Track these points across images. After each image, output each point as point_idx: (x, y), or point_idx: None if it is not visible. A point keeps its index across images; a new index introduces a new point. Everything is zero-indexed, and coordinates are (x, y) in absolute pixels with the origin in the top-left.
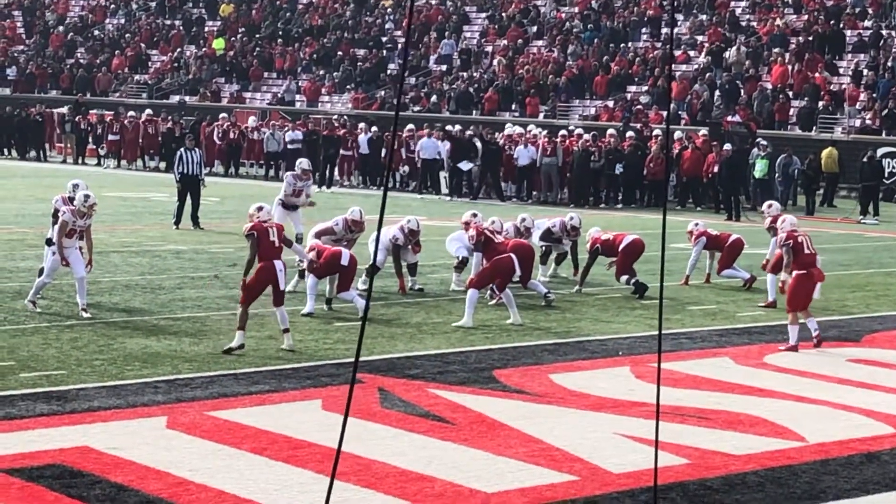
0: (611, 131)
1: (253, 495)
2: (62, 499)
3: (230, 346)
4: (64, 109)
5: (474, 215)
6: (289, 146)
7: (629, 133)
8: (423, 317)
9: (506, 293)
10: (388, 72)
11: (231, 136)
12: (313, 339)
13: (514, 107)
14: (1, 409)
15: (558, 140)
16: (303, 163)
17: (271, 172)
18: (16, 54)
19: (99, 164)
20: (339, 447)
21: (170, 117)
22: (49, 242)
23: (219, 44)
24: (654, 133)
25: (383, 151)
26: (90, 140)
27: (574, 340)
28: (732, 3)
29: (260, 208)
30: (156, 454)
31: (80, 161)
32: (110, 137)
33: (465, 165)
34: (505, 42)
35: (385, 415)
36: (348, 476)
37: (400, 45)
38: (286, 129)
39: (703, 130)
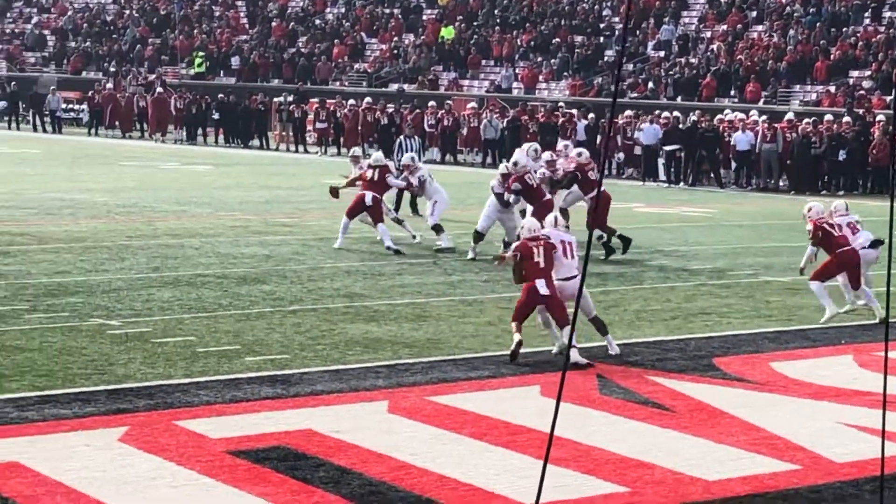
0: (828, 117)
1: (472, 480)
2: (287, 480)
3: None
4: (283, 98)
5: (810, 209)
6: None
7: (845, 118)
8: (642, 304)
9: (816, 285)
10: (606, 58)
11: (445, 123)
12: (533, 325)
13: (732, 92)
14: (227, 392)
15: (778, 126)
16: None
17: (489, 160)
18: (239, 44)
19: (323, 152)
20: (551, 433)
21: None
22: None
23: (448, 32)
24: (878, 118)
25: (598, 138)
26: (309, 129)
27: (795, 329)
28: None
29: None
30: (377, 438)
31: (298, 150)
32: (318, 126)
33: (669, 147)
34: (724, 27)
35: (604, 401)
36: (567, 462)
37: (618, 32)
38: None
39: None
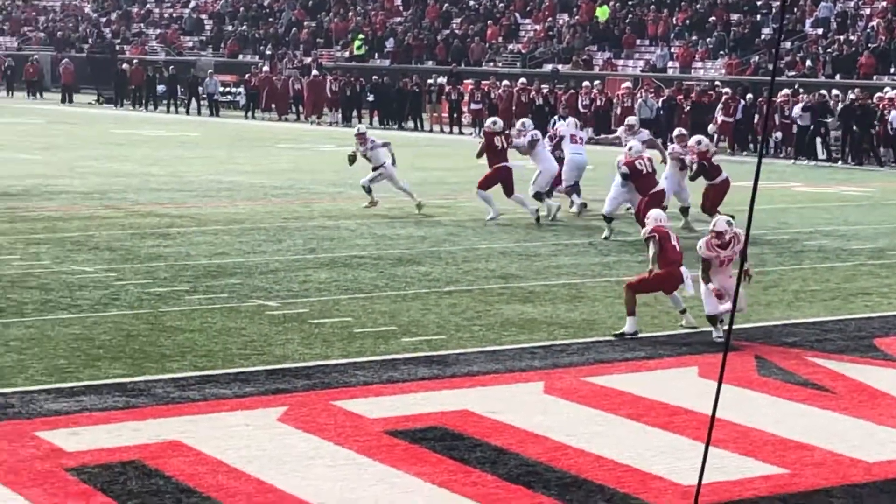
0: None
1: (630, 461)
2: (444, 460)
3: (622, 331)
4: (433, 80)
5: None
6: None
7: None
8: (801, 284)
9: None
10: (763, 36)
11: (599, 103)
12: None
13: (892, 70)
14: (384, 373)
15: None
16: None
17: None
18: (394, 26)
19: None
20: (713, 414)
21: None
22: None
23: (602, 12)
24: None
25: (756, 117)
26: (464, 110)
27: None
28: None
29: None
30: (533, 419)
31: (453, 131)
32: (473, 106)
33: (828, 122)
34: (884, 4)
35: (762, 382)
36: (726, 443)
37: (775, 9)
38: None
39: None
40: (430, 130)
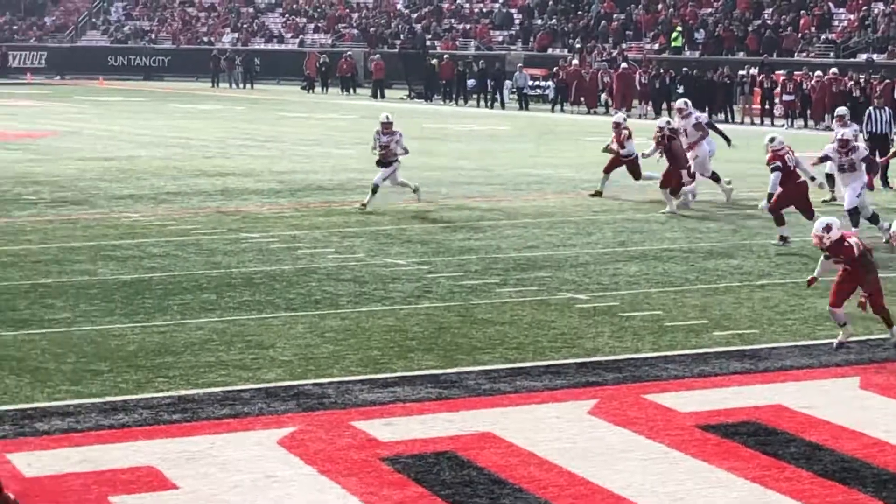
0: None
1: None
2: (757, 456)
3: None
4: (745, 72)
5: None
6: None
7: None
8: None
9: None
10: None
11: None
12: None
13: None
14: (696, 367)
15: None
16: None
17: None
18: (704, 17)
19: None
20: None
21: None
22: None
23: None
24: None
25: None
26: (776, 101)
27: None
28: None
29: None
30: (849, 414)
31: (764, 122)
32: (785, 98)
33: None
34: None
35: None
36: None
37: None
38: None
39: None
40: (742, 122)
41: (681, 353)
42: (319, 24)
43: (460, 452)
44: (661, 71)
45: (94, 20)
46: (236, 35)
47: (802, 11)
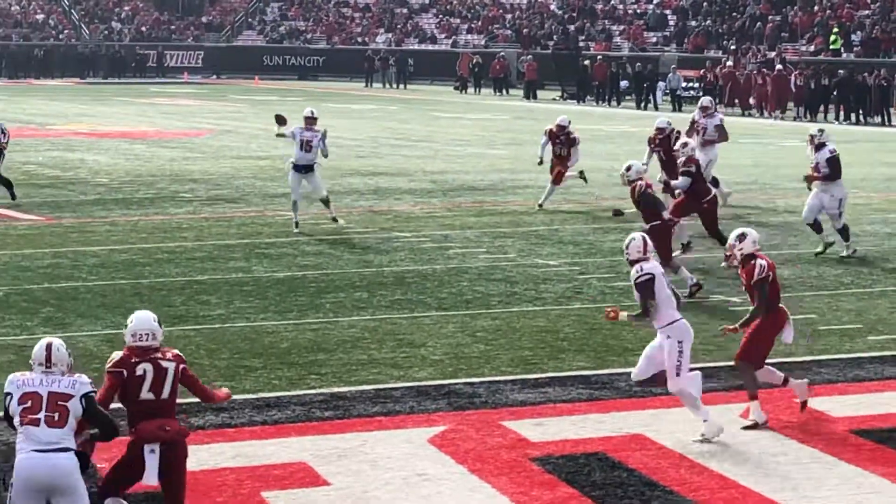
0: None
1: None
2: None
3: None
4: None
5: None
6: None
7: None
8: None
9: None
10: None
11: None
12: None
13: None
14: (850, 371)
15: None
16: None
17: None
18: (861, 19)
19: None
20: None
21: None
22: None
23: None
24: None
25: None
26: None
27: None
28: None
29: None
30: None
31: None
32: None
33: None
34: None
35: None
36: None
37: None
38: None
39: None
40: None
41: (834, 357)
42: (473, 25)
43: (610, 454)
44: (817, 73)
45: (250, 20)
46: (390, 35)
47: None
